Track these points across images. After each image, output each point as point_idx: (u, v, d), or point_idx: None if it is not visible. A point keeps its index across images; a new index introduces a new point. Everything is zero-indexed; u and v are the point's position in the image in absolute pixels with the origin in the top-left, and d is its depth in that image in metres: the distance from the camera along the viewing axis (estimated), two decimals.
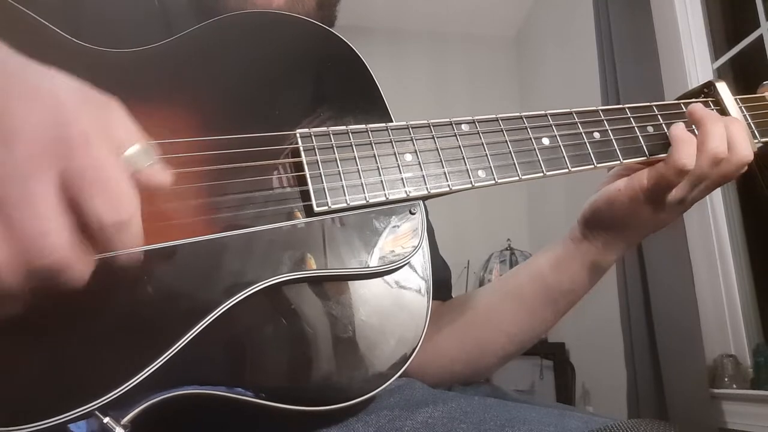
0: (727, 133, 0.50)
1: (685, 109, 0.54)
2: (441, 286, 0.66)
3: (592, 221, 0.55)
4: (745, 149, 0.51)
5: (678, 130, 0.51)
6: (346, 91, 0.49)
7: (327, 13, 0.61)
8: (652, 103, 0.55)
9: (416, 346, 0.42)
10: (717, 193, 1.87)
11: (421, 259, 0.45)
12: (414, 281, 0.45)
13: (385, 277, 0.44)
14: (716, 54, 1.98)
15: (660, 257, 1.79)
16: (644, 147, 0.53)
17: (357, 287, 0.43)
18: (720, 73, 1.95)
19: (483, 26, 3.29)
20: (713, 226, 1.84)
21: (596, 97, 2.12)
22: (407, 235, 0.45)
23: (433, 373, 0.57)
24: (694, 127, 0.53)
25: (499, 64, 3.36)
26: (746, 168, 0.53)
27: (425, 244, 0.45)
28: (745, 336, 1.74)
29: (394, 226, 0.44)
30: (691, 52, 1.97)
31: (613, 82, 2.01)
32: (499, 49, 3.41)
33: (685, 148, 0.49)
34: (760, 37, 1.78)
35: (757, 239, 1.82)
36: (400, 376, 0.53)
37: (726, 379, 1.69)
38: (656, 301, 1.79)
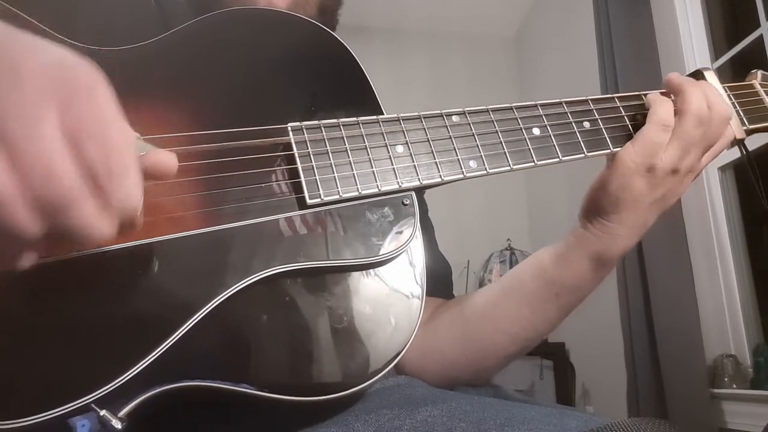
0: (704, 94, 0.52)
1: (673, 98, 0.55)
2: (442, 282, 0.66)
3: (590, 209, 0.54)
4: (722, 105, 0.53)
5: (653, 94, 0.53)
6: (338, 86, 0.49)
7: (328, 18, 0.62)
8: (641, 92, 0.56)
9: (411, 336, 0.43)
10: (717, 193, 1.87)
11: (415, 250, 0.45)
12: (408, 271, 0.45)
13: (380, 268, 0.44)
14: (716, 54, 1.98)
15: (660, 257, 1.78)
16: (634, 135, 0.53)
17: (351, 278, 0.43)
18: (720, 73, 1.94)
19: (483, 26, 3.29)
20: (713, 226, 1.84)
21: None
22: (401, 226, 0.45)
23: (435, 375, 0.56)
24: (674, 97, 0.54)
25: (499, 64, 3.36)
26: (731, 135, 0.55)
27: (419, 234, 0.45)
28: (745, 336, 1.74)
29: (387, 217, 0.45)
30: (691, 52, 1.97)
31: (613, 82, 2.01)
32: (499, 49, 3.41)
33: (662, 105, 0.51)
34: (760, 37, 1.78)
35: (757, 239, 1.82)
36: (399, 375, 0.53)
37: (726, 379, 1.69)
38: (656, 301, 1.79)
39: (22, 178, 0.26)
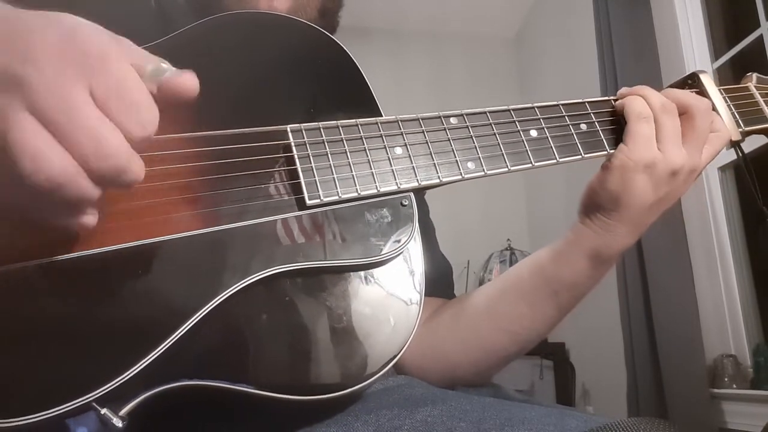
0: (669, 95, 0.54)
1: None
2: (442, 282, 0.66)
3: (588, 205, 0.54)
4: (687, 95, 0.54)
5: (625, 91, 0.55)
6: (337, 89, 0.49)
7: (329, 21, 0.62)
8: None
9: (410, 336, 0.43)
10: (717, 193, 1.87)
11: (414, 250, 0.46)
12: (407, 271, 0.45)
13: (379, 269, 0.44)
14: (716, 54, 1.98)
15: (660, 257, 1.78)
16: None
17: (350, 279, 0.43)
18: (720, 73, 1.95)
19: (483, 26, 3.29)
20: (713, 227, 1.84)
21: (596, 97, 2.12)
22: (399, 227, 0.45)
23: (436, 375, 0.56)
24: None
25: (499, 64, 3.36)
26: (726, 132, 0.56)
27: (417, 234, 0.46)
28: (745, 336, 1.74)
29: (385, 218, 0.45)
30: (691, 52, 1.97)
31: (613, 82, 2.01)
32: (499, 49, 3.41)
33: (632, 100, 0.53)
34: (760, 37, 1.78)
35: (757, 239, 1.82)
36: (399, 375, 0.53)
37: (726, 379, 1.69)
38: (656, 301, 1.79)
39: (78, 156, 0.28)
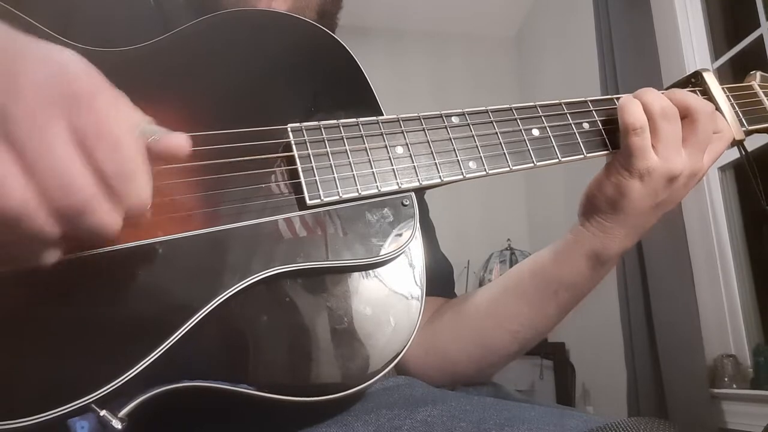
0: (670, 96, 0.52)
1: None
2: (443, 281, 0.66)
3: (587, 208, 0.54)
4: (693, 98, 0.52)
5: (623, 98, 0.53)
6: (338, 87, 0.49)
7: (328, 21, 0.62)
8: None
9: (411, 336, 0.43)
10: (717, 193, 1.87)
11: (415, 250, 0.45)
12: (408, 272, 0.45)
13: (380, 269, 0.44)
14: (716, 54, 1.98)
15: (660, 257, 1.78)
16: None
17: (351, 279, 0.43)
18: (720, 73, 1.95)
19: (483, 26, 3.29)
20: (713, 227, 1.84)
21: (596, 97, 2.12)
22: (400, 227, 0.45)
23: (436, 373, 0.56)
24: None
25: (499, 64, 3.36)
26: (729, 134, 0.54)
27: (418, 234, 0.46)
28: (745, 336, 1.74)
29: (386, 218, 0.45)
30: (691, 52, 1.97)
31: (613, 82, 2.01)
32: (499, 49, 3.41)
33: (626, 109, 0.51)
34: (760, 37, 1.78)
35: (757, 239, 1.82)
36: (399, 374, 0.53)
37: (726, 379, 1.69)
38: (656, 301, 1.79)
39: (40, 189, 0.27)
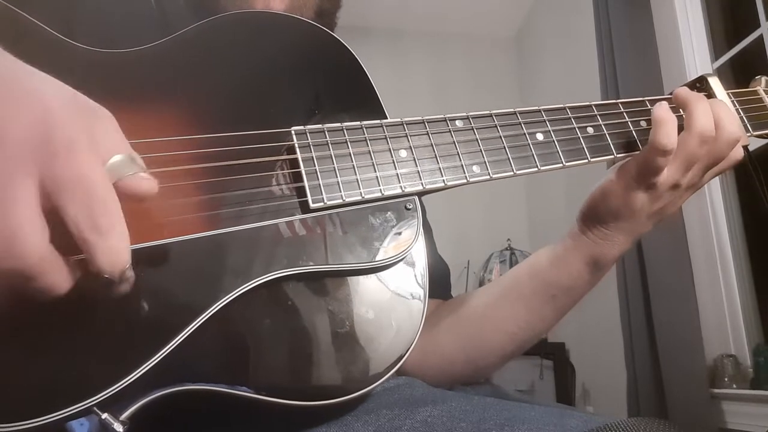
0: (713, 112, 0.51)
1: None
2: (440, 283, 0.66)
3: (589, 215, 0.54)
4: (732, 125, 0.51)
5: (660, 110, 0.50)
6: (341, 90, 0.49)
7: (326, 21, 0.62)
8: (645, 98, 0.56)
9: (413, 340, 0.43)
10: (717, 193, 1.87)
11: (418, 254, 0.45)
12: (410, 276, 0.45)
13: (382, 272, 0.44)
14: (716, 54, 1.98)
15: (660, 257, 1.78)
16: (638, 141, 0.53)
17: (354, 283, 0.43)
18: (720, 73, 1.94)
19: (483, 26, 3.28)
20: (713, 227, 1.84)
21: (596, 97, 2.11)
22: (403, 231, 0.45)
23: (434, 373, 0.56)
24: (682, 112, 0.53)
25: (499, 64, 3.36)
26: (740, 156, 0.54)
27: (421, 238, 0.45)
28: (745, 336, 1.74)
29: (389, 222, 0.45)
30: (691, 52, 1.97)
31: (613, 82, 2.01)
32: (499, 49, 3.40)
33: (664, 128, 0.49)
34: (760, 37, 1.78)
35: (757, 239, 1.82)
36: (399, 375, 0.53)
37: (726, 379, 1.69)
38: (656, 301, 1.79)
39: None
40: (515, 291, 0.57)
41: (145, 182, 0.32)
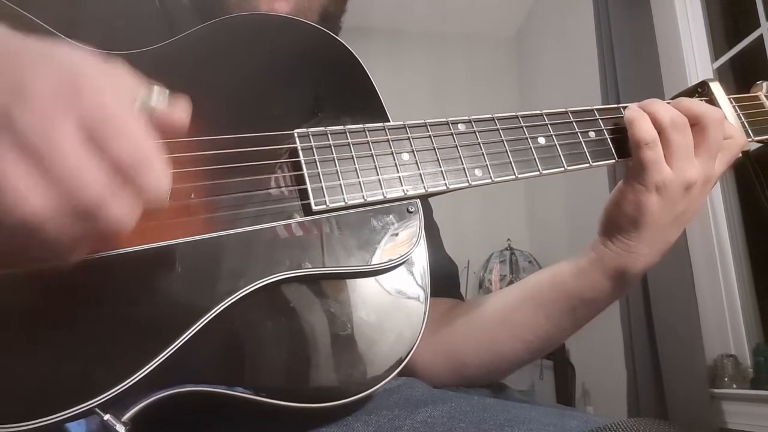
0: (682, 103, 0.52)
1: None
2: (449, 282, 0.66)
3: (608, 227, 0.53)
4: (702, 106, 0.52)
5: (628, 112, 0.52)
6: (344, 93, 0.49)
7: (331, 25, 0.62)
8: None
9: (415, 343, 0.43)
10: (717, 193, 1.87)
11: (419, 257, 0.45)
12: (412, 279, 0.45)
13: (384, 275, 0.44)
14: (716, 54, 1.98)
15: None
16: None
17: (355, 285, 0.43)
18: (720, 73, 1.95)
19: (483, 26, 3.28)
20: (713, 226, 1.84)
21: (596, 97, 2.12)
22: (405, 234, 0.45)
23: (443, 374, 0.56)
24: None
25: (499, 64, 3.36)
26: (739, 150, 0.54)
27: (423, 241, 0.46)
28: (745, 336, 1.75)
29: (391, 225, 0.45)
30: (691, 52, 1.98)
31: (613, 82, 2.01)
32: (499, 49, 3.41)
33: (637, 124, 0.50)
34: (760, 37, 1.78)
35: (757, 239, 1.82)
36: (401, 375, 0.53)
37: (726, 379, 1.69)
38: (656, 301, 1.79)
39: (58, 193, 0.28)
40: (536, 299, 0.56)
41: (176, 112, 0.34)
